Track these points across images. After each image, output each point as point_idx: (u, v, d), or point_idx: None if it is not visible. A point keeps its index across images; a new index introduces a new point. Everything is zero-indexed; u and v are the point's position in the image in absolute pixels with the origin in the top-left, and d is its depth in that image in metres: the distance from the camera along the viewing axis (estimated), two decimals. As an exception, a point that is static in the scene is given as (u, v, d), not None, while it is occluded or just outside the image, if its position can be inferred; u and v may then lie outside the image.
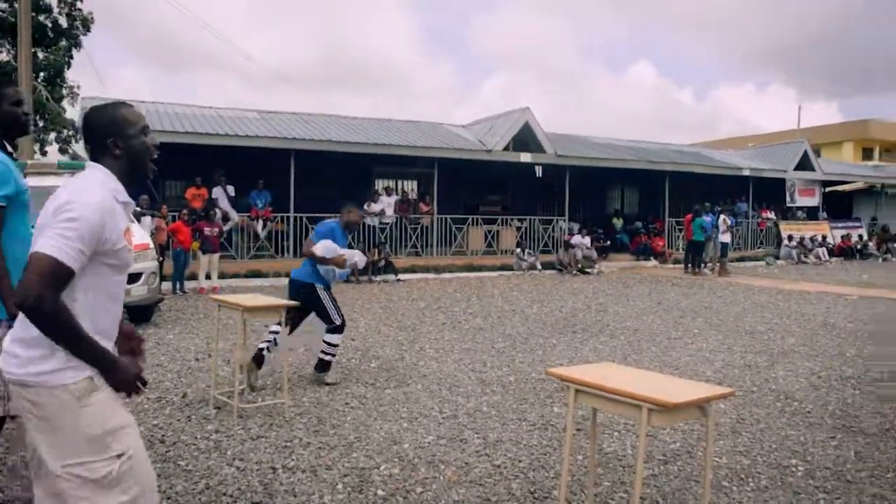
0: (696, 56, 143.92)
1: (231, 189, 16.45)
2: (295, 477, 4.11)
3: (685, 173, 22.26)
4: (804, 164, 25.82)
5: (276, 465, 4.29)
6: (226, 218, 15.65)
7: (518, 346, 8.22)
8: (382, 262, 15.99)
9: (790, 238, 23.69)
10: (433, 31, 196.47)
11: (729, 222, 18.95)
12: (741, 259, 22.53)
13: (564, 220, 20.66)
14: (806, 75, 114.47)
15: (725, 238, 18.47)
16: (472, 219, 19.52)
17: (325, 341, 6.28)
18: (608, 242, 21.70)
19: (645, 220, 24.48)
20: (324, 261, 6.23)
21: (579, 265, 18.01)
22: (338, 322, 6.28)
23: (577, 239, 18.89)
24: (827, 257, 23.45)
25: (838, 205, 31.26)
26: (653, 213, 24.64)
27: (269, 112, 19.36)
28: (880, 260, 24.18)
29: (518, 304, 12.04)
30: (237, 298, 5.86)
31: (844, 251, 24.73)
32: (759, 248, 24.41)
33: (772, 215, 25.59)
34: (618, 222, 24.18)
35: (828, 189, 32.17)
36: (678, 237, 22.26)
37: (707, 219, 18.48)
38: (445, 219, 18.67)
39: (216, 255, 13.47)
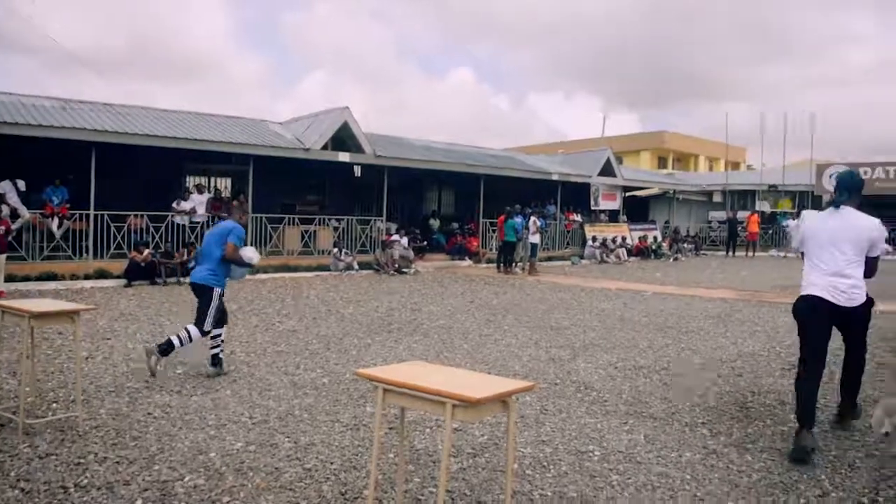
0: (512, 64, 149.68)
1: (21, 184, 15.07)
2: (89, 496, 3.83)
3: (499, 177, 23.12)
4: (607, 171, 27.66)
5: (68, 483, 3.98)
6: (14, 215, 14.30)
7: (332, 347, 8.16)
8: (192, 263, 15.30)
9: (594, 239, 25.28)
10: (249, 24, 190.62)
11: (539, 224, 19.95)
12: (549, 259, 23.73)
13: (382, 221, 20.78)
14: (611, 86, 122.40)
15: (535, 239, 19.40)
16: (289, 218, 19.13)
17: (186, 328, 6.61)
18: (425, 243, 22.10)
19: (461, 221, 25.17)
20: (244, 263, 6.82)
21: (396, 265, 18.19)
22: (207, 329, 6.59)
23: (394, 239, 19.07)
24: (626, 257, 25.20)
25: (637, 208, 33.81)
26: (468, 214, 25.40)
27: (70, 100, 17.93)
28: (671, 259, 26.34)
29: (334, 304, 11.97)
30: (24, 304, 5.38)
31: (641, 251, 26.75)
32: (566, 248, 25.84)
33: (578, 218, 27.18)
34: (434, 223, 24.68)
35: (628, 194, 34.67)
36: (492, 238, 23.06)
37: (518, 220, 19.30)
38: (261, 218, 18.18)
39: (2, 256, 12.31)
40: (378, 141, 20.84)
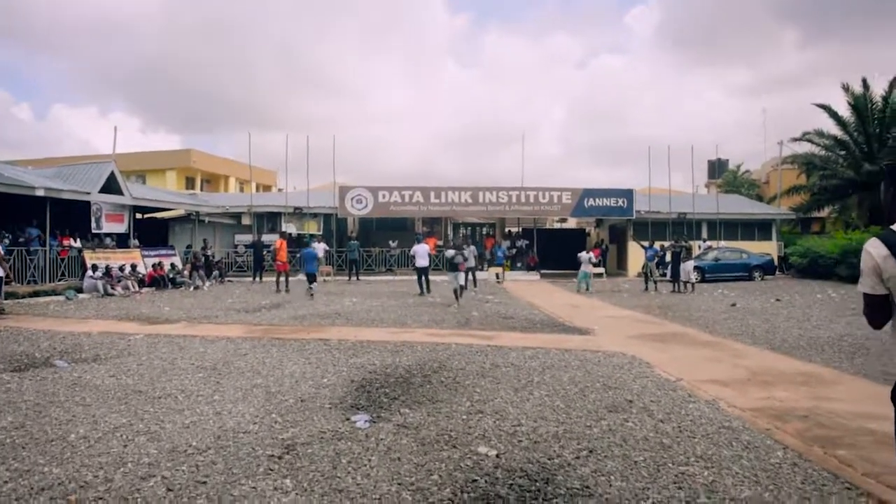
0: (37, 71, 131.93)
1: None
2: None
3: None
4: (112, 188, 23.69)
5: None
6: None
7: None
8: None
9: (94, 268, 21.15)
10: None
11: None
12: (35, 294, 19.08)
13: None
14: (150, 107, 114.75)
15: (-3, 271, 14.83)
16: None
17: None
18: None
19: None
20: None
21: None
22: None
23: None
24: (137, 288, 21.62)
25: (155, 232, 30.22)
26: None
27: None
28: (192, 289, 23.45)
29: None
30: None
31: (157, 280, 23.32)
32: (60, 280, 21.25)
33: (76, 243, 22.70)
34: None
35: (146, 216, 30.89)
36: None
37: (-28, 247, 14.63)
38: None
39: None
40: None
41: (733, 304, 17.61)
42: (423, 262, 21.16)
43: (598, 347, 10.40)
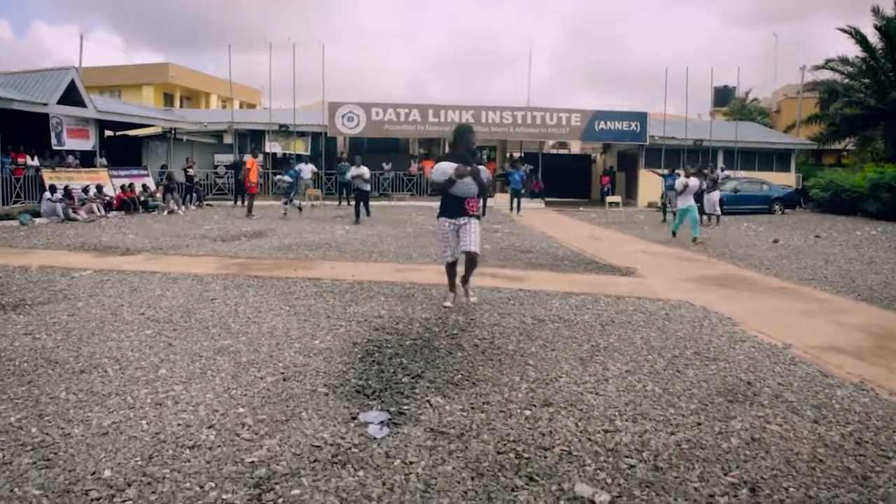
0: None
1: None
2: None
3: None
4: (74, 99, 21.12)
5: None
6: None
7: None
8: None
9: (53, 189, 18.79)
10: None
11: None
12: (-15, 217, 16.84)
13: None
14: (132, 24, 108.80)
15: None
16: None
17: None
18: None
19: None
20: None
21: None
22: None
23: None
24: (103, 212, 19.36)
25: (126, 151, 27.71)
26: None
27: None
28: (166, 213, 21.21)
29: None
30: None
31: (125, 204, 21.02)
32: (15, 203, 18.93)
33: (33, 161, 20.28)
34: None
35: (118, 133, 28.41)
36: None
37: None
38: None
39: None
40: None
41: (775, 241, 15.61)
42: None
43: (654, 294, 8.38)
